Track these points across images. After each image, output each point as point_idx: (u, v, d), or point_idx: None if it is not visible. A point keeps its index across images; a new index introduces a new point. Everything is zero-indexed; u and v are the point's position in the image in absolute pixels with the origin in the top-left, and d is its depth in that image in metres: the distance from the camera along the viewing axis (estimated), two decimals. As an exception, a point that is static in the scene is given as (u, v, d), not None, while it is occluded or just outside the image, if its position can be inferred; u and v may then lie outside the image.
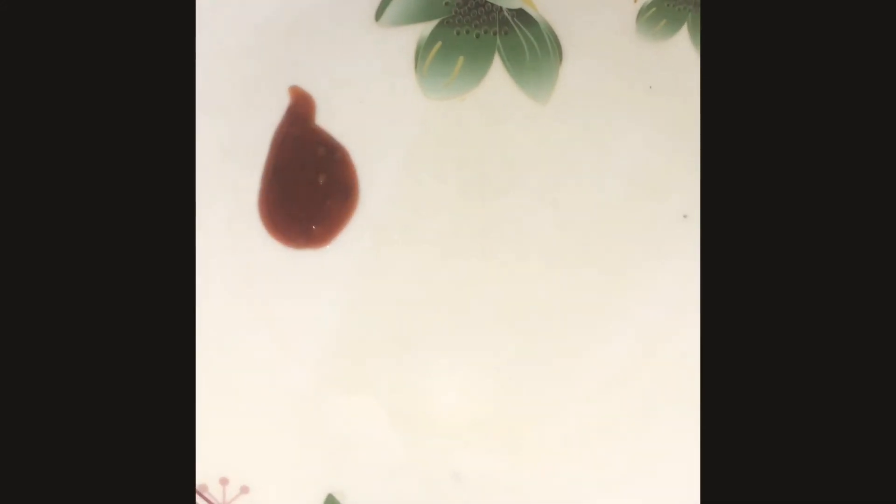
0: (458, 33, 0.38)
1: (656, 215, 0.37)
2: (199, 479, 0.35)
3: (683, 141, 0.37)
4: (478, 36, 0.38)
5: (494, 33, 0.38)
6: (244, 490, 0.35)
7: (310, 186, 0.37)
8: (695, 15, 0.37)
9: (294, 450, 0.36)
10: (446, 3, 0.38)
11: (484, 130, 0.38)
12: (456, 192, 0.38)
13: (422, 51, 0.38)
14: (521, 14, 0.38)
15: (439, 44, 0.38)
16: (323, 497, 0.36)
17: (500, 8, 0.38)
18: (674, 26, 0.37)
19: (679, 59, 0.37)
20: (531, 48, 0.38)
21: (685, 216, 0.37)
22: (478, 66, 0.38)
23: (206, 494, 0.35)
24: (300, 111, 0.37)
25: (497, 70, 0.38)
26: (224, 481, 0.35)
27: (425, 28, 0.38)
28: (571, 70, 0.38)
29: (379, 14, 0.37)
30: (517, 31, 0.38)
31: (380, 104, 0.38)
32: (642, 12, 0.37)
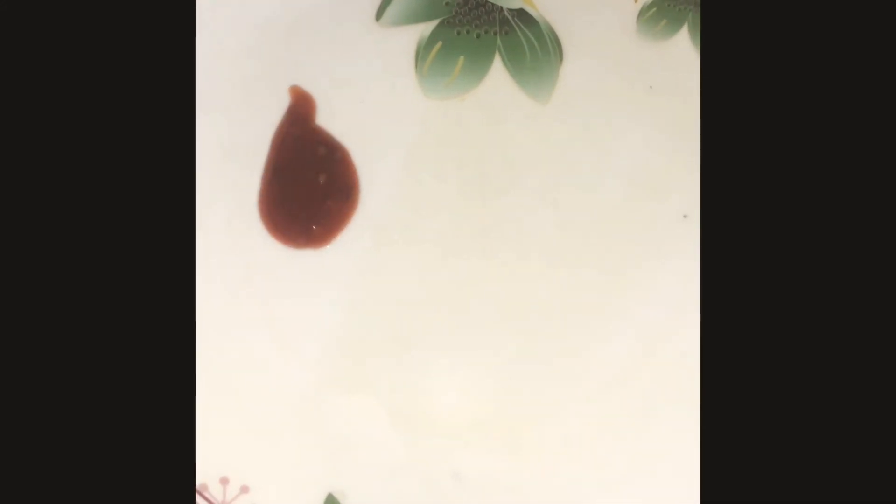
0: (458, 33, 0.38)
1: (656, 215, 0.37)
2: (200, 478, 0.35)
3: (683, 141, 0.37)
4: (478, 36, 0.38)
5: (495, 33, 0.38)
6: (244, 490, 0.35)
7: (310, 186, 0.37)
8: (695, 15, 0.37)
9: (294, 450, 0.36)
10: (447, 3, 0.38)
11: (484, 130, 0.38)
12: (456, 192, 0.38)
13: (422, 51, 0.38)
14: (521, 14, 0.38)
15: (440, 44, 0.38)
16: (323, 497, 0.36)
17: (501, 8, 0.38)
18: (674, 26, 0.37)
19: (679, 59, 0.37)
20: (531, 48, 0.38)
21: (685, 216, 0.37)
22: (478, 66, 0.38)
23: (206, 494, 0.35)
24: (300, 111, 0.37)
25: (497, 70, 0.38)
26: (224, 481, 0.35)
27: (426, 28, 0.38)
28: (572, 70, 0.38)
29: (379, 14, 0.37)
30: (517, 31, 0.38)
31: (380, 104, 0.38)
32: (643, 12, 0.37)
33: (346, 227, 0.37)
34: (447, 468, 0.37)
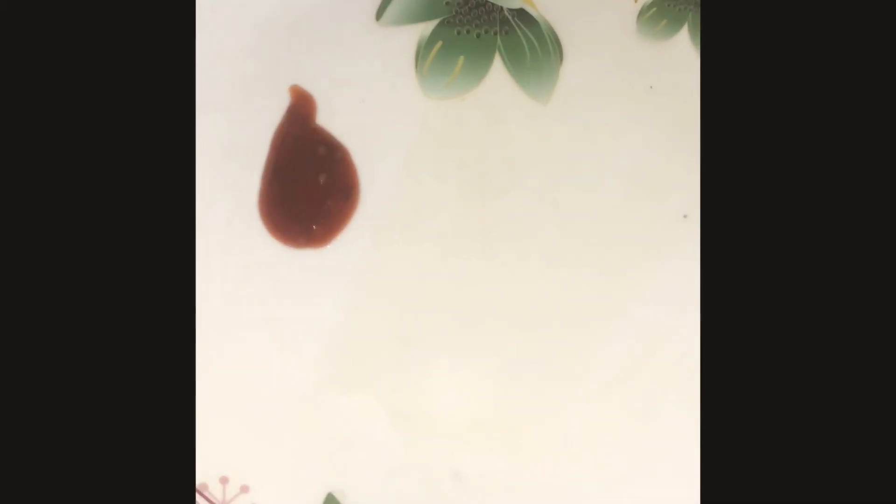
0: (458, 33, 0.38)
1: (656, 215, 0.37)
2: (200, 477, 0.35)
3: (683, 141, 0.37)
4: (478, 36, 0.38)
5: (495, 33, 0.38)
6: (244, 489, 0.35)
7: (310, 186, 0.37)
8: (695, 15, 0.37)
9: (294, 449, 0.36)
10: (447, 3, 0.38)
11: (484, 130, 0.38)
12: (456, 192, 0.38)
13: (422, 50, 0.38)
14: (521, 14, 0.38)
15: (440, 43, 0.38)
16: (323, 496, 0.36)
17: (501, 8, 0.38)
18: (674, 26, 0.37)
19: (679, 59, 0.37)
20: (532, 48, 0.38)
21: (685, 216, 0.37)
22: (478, 65, 0.38)
23: (206, 493, 0.35)
24: (301, 111, 0.37)
25: (497, 70, 0.38)
26: (224, 480, 0.35)
27: (426, 28, 0.38)
28: (572, 70, 0.38)
29: (380, 14, 0.37)
30: (518, 30, 0.38)
31: (380, 104, 0.38)
32: (643, 12, 0.37)
33: (347, 226, 0.37)
34: (447, 468, 0.37)
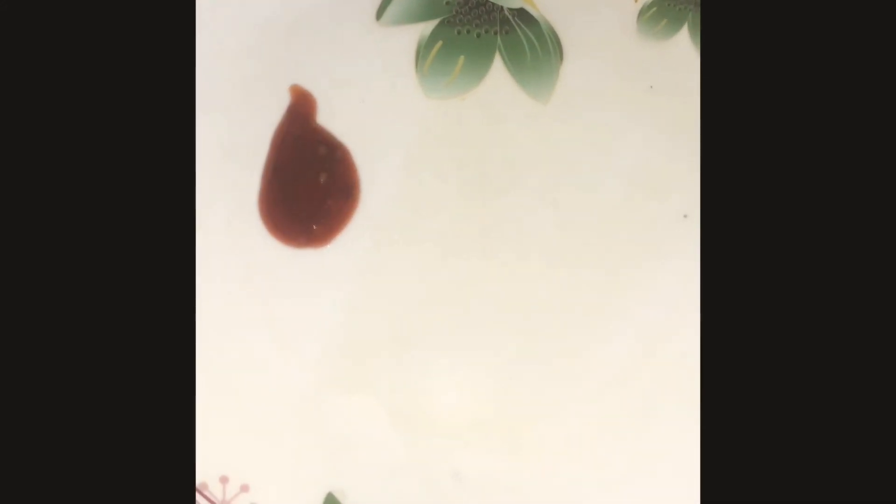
0: (458, 33, 0.38)
1: (656, 215, 0.37)
2: (199, 477, 0.35)
3: (683, 141, 0.37)
4: (478, 35, 0.38)
5: (495, 33, 0.38)
6: (244, 488, 0.35)
7: (310, 186, 0.37)
8: (695, 15, 0.37)
9: (294, 449, 0.36)
10: (447, 3, 0.38)
11: (484, 130, 0.38)
12: (456, 192, 0.38)
13: (422, 50, 0.38)
14: (521, 13, 0.38)
15: (440, 43, 0.38)
16: (323, 496, 0.36)
17: (501, 7, 0.38)
18: (674, 26, 0.37)
19: (679, 58, 0.37)
20: (532, 48, 0.38)
21: (685, 216, 0.37)
22: (478, 65, 0.38)
23: (206, 493, 0.35)
24: (301, 110, 0.37)
25: (498, 69, 0.38)
26: (224, 480, 0.35)
27: (426, 27, 0.38)
28: (572, 69, 0.38)
29: (380, 13, 0.37)
30: (518, 30, 0.38)
31: (380, 103, 0.38)
32: (643, 12, 0.37)
33: (347, 226, 0.37)
34: (447, 468, 0.37)
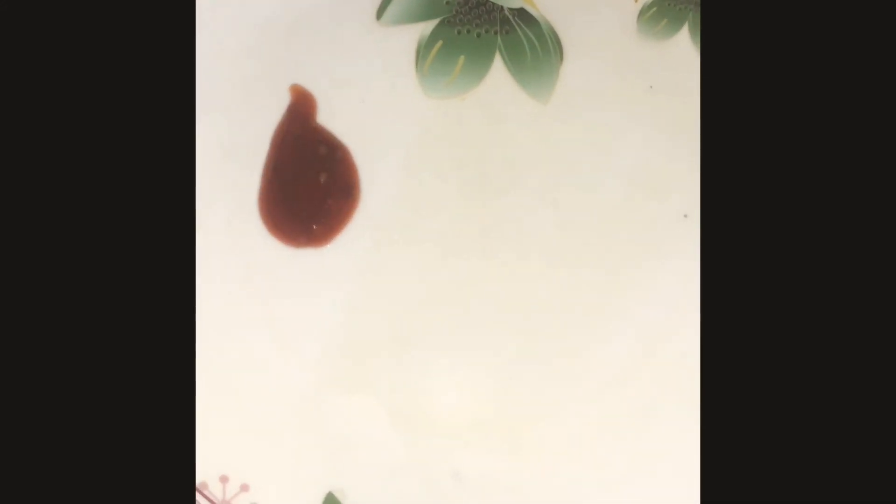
0: (458, 32, 0.38)
1: (656, 215, 0.37)
2: (199, 476, 0.35)
3: (683, 141, 0.37)
4: (479, 35, 0.38)
5: (495, 32, 0.38)
6: (244, 488, 0.35)
7: (310, 185, 0.37)
8: (696, 15, 0.37)
9: (294, 449, 0.36)
10: (447, 3, 0.38)
11: (484, 130, 0.38)
12: (456, 192, 0.38)
13: (423, 50, 0.38)
14: (522, 13, 0.38)
15: (440, 43, 0.38)
16: (322, 496, 0.36)
17: (501, 7, 0.38)
18: (675, 26, 0.37)
19: (680, 58, 0.37)
20: (532, 48, 0.38)
21: (685, 216, 0.37)
22: (479, 65, 0.38)
23: (205, 492, 0.35)
24: (301, 110, 0.37)
25: (498, 69, 0.38)
26: (224, 479, 0.35)
27: (426, 27, 0.38)
28: (572, 69, 0.38)
29: (380, 13, 0.37)
30: (518, 30, 0.38)
31: (381, 103, 0.38)
32: (643, 12, 0.37)
33: (347, 226, 0.37)
34: (447, 468, 0.37)
